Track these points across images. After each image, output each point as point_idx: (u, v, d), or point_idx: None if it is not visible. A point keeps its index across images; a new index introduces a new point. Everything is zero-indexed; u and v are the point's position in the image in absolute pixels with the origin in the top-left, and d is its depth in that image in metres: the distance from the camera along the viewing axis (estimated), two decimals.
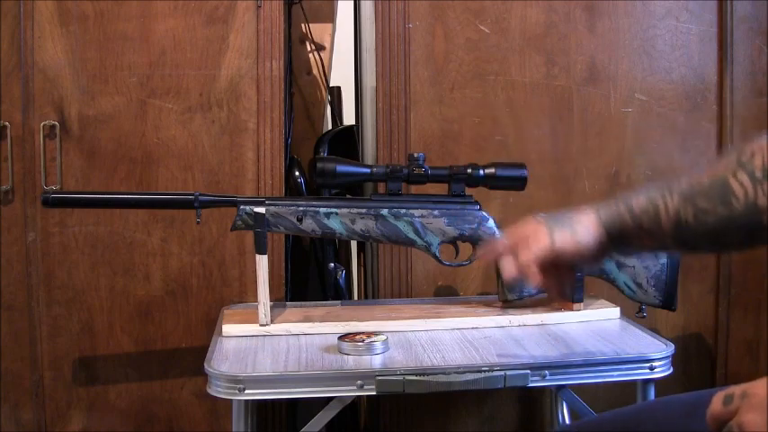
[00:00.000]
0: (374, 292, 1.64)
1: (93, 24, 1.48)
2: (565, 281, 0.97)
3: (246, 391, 1.08)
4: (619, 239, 0.88)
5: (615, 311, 1.40)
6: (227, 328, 1.28)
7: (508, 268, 0.93)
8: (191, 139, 1.52)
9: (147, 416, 1.54)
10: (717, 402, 0.66)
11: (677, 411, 0.87)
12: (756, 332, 1.71)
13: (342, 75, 2.09)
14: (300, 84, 2.03)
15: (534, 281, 0.92)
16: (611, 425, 0.95)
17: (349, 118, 2.09)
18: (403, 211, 1.32)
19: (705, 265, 1.70)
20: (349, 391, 1.11)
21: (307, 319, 1.31)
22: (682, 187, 0.83)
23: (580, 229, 0.89)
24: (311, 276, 1.92)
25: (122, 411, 1.54)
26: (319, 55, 2.02)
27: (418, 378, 1.09)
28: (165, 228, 1.52)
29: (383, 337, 1.19)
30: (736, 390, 0.65)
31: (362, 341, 1.17)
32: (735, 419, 0.63)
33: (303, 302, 1.48)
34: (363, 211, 1.31)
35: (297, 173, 1.74)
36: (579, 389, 1.48)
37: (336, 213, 1.30)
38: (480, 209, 1.35)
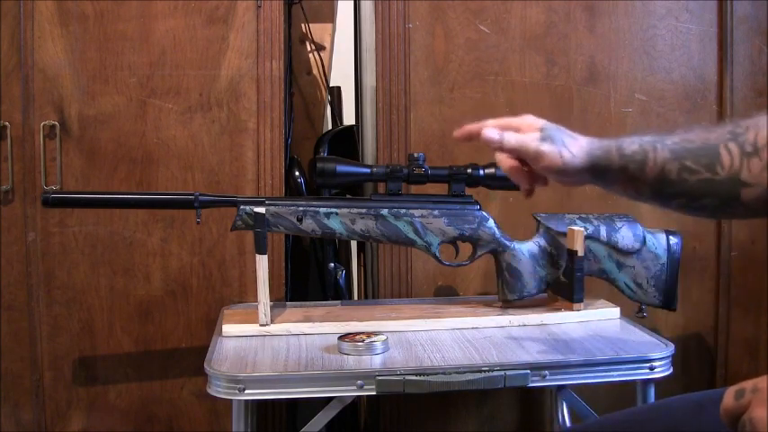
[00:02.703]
0: (374, 292, 1.64)
1: (93, 24, 1.48)
2: (536, 183, 0.98)
3: (246, 391, 1.08)
4: (601, 174, 0.90)
5: (615, 311, 1.40)
6: (227, 328, 1.28)
7: (490, 134, 0.95)
8: (191, 139, 1.52)
9: (147, 416, 1.54)
10: (729, 397, 0.66)
11: (678, 412, 0.87)
12: (756, 332, 1.71)
13: (342, 75, 2.09)
14: (300, 84, 2.03)
15: (504, 165, 0.95)
16: (612, 428, 0.94)
17: (349, 118, 2.09)
18: (403, 211, 1.32)
19: (705, 266, 1.70)
20: (349, 391, 1.11)
21: (307, 319, 1.31)
22: (673, 142, 0.85)
23: (570, 146, 0.91)
24: (311, 276, 1.92)
25: (122, 411, 1.54)
26: (319, 55, 2.02)
27: (418, 378, 1.09)
28: (165, 228, 1.52)
29: (383, 337, 1.19)
30: (748, 384, 0.65)
31: (362, 341, 1.17)
32: (746, 414, 0.63)
33: (303, 302, 1.48)
34: (363, 211, 1.31)
35: (297, 173, 1.74)
36: (579, 389, 1.48)
37: (336, 213, 1.31)
38: (480, 209, 1.35)
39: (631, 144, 0.88)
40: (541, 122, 0.95)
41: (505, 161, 0.96)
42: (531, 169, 0.95)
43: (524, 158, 0.94)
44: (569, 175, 0.91)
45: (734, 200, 0.81)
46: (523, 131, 0.95)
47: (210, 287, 1.54)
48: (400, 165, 1.33)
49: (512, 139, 0.93)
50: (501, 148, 0.94)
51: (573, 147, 0.91)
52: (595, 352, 1.18)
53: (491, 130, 0.95)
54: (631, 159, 0.87)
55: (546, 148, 0.91)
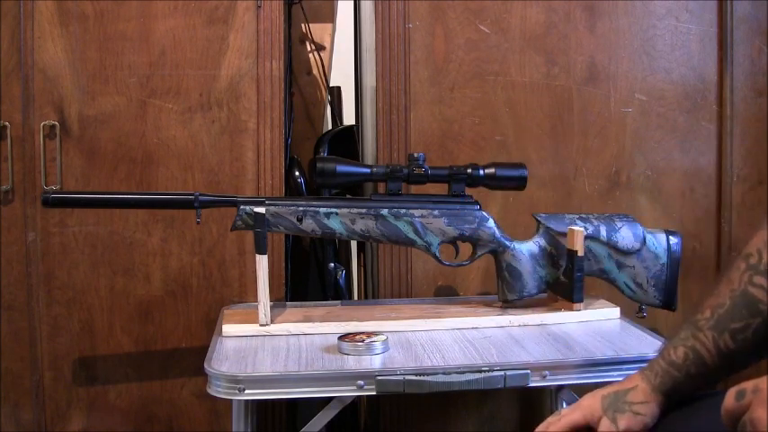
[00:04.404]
0: (374, 292, 1.64)
1: (93, 24, 1.48)
2: None
3: (246, 391, 1.08)
4: (674, 395, 0.87)
5: (615, 311, 1.40)
6: (227, 328, 1.28)
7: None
8: (191, 139, 1.52)
9: (147, 416, 1.54)
10: (730, 398, 0.66)
11: (678, 412, 0.87)
12: None
13: (342, 75, 2.09)
14: (300, 84, 2.03)
15: None
16: None
17: (349, 118, 2.09)
18: (403, 211, 1.32)
19: (705, 265, 1.70)
20: (349, 391, 1.11)
21: (307, 319, 1.31)
22: (709, 321, 0.83)
23: (640, 407, 0.87)
24: (311, 276, 1.92)
25: (122, 411, 1.54)
26: (319, 55, 2.03)
27: (418, 378, 1.09)
28: (165, 228, 1.52)
29: (383, 337, 1.19)
30: (749, 385, 0.65)
31: (362, 341, 1.17)
32: (747, 415, 0.63)
33: (303, 302, 1.48)
34: (363, 211, 1.31)
35: (297, 173, 1.74)
36: (579, 389, 1.48)
37: (336, 213, 1.30)
38: (480, 209, 1.35)
39: (676, 351, 0.85)
40: (597, 403, 0.89)
41: None
42: None
43: None
44: (655, 420, 0.86)
45: None
46: (588, 420, 0.89)
47: (210, 287, 1.54)
48: (400, 165, 1.33)
49: None
50: None
51: (636, 395, 0.87)
52: (595, 352, 1.18)
53: None
54: (688, 362, 0.84)
55: (622, 422, 0.86)
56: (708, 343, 0.83)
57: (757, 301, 0.79)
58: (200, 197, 1.27)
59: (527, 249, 1.36)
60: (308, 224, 1.30)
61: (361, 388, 1.09)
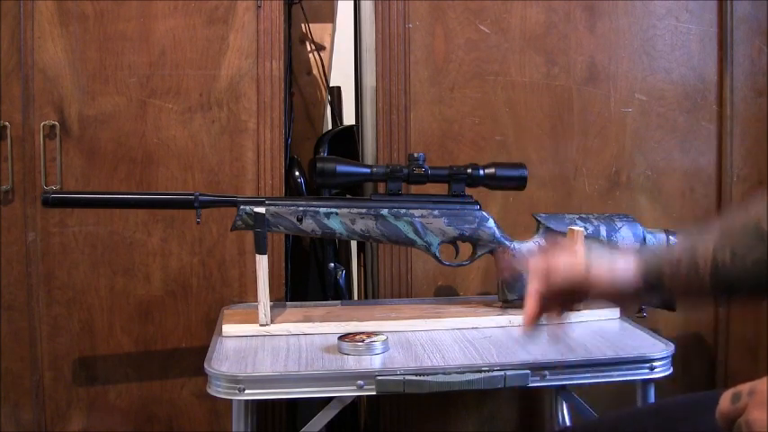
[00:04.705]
0: (374, 292, 1.64)
1: (93, 24, 1.48)
2: (569, 308, 0.93)
3: (246, 391, 1.08)
4: (656, 284, 0.86)
5: (615, 311, 1.40)
6: (227, 328, 1.28)
7: (531, 292, 0.89)
8: (191, 139, 1.52)
9: (147, 416, 1.54)
10: (725, 400, 0.66)
11: (678, 413, 0.87)
12: (756, 332, 1.71)
13: (342, 75, 2.09)
14: (300, 84, 2.03)
15: (555, 313, 0.89)
16: (612, 427, 0.94)
17: (349, 118, 2.09)
18: (403, 211, 1.32)
19: None
20: (349, 391, 1.11)
21: (307, 319, 1.31)
22: (715, 232, 0.82)
23: (620, 263, 0.86)
24: (311, 276, 1.92)
25: (122, 411, 1.54)
26: (319, 55, 2.03)
27: (418, 378, 1.09)
28: (165, 228, 1.52)
29: (383, 337, 1.19)
30: (744, 387, 0.65)
31: (362, 341, 1.17)
32: (742, 417, 0.63)
33: (303, 302, 1.48)
34: (363, 211, 1.31)
35: (297, 173, 1.74)
36: (579, 389, 1.48)
37: (336, 213, 1.31)
38: (480, 209, 1.36)
39: (674, 249, 0.84)
40: (581, 231, 0.89)
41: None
42: (570, 296, 0.89)
43: (573, 288, 0.88)
44: (624, 286, 0.86)
45: None
46: (562, 254, 0.89)
47: (210, 287, 1.54)
48: (400, 165, 1.33)
49: (558, 277, 0.87)
50: (551, 291, 0.87)
51: (621, 255, 0.87)
52: (595, 352, 1.18)
53: (533, 287, 0.88)
54: (682, 261, 0.83)
55: (595, 264, 0.85)
56: (707, 250, 0.81)
57: (766, 231, 0.77)
58: (200, 197, 1.27)
59: (527, 249, 1.36)
60: (308, 224, 1.30)
61: (361, 388, 1.09)
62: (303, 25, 1.98)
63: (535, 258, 0.92)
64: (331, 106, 2.10)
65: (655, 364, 1.17)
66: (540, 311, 0.89)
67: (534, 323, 0.89)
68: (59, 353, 1.51)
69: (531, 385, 1.13)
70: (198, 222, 1.27)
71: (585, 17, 1.62)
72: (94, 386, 1.53)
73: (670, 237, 1.38)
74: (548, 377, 1.13)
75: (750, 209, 0.80)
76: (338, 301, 1.63)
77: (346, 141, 1.92)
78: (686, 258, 0.83)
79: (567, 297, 0.89)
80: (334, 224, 1.31)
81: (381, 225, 1.32)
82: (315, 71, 2.05)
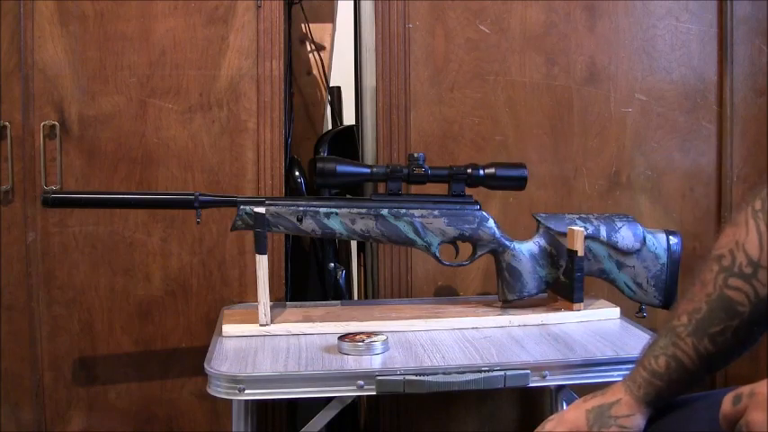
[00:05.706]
0: (374, 292, 1.64)
1: (93, 24, 1.48)
2: None
3: (246, 392, 1.08)
4: (658, 402, 0.87)
5: (615, 311, 1.40)
6: (227, 328, 1.28)
7: None
8: (191, 139, 1.52)
9: (147, 416, 1.54)
10: (727, 402, 0.66)
11: (677, 413, 0.87)
12: None
13: (342, 75, 2.09)
14: (300, 84, 2.03)
15: None
16: None
17: (349, 118, 2.09)
18: (403, 211, 1.32)
19: None
20: (349, 391, 1.11)
21: (307, 319, 1.31)
22: (687, 327, 0.83)
23: (626, 420, 0.87)
24: (311, 276, 1.92)
25: (122, 411, 1.54)
26: (319, 55, 2.02)
27: (418, 378, 1.09)
28: (165, 228, 1.52)
29: (383, 337, 1.19)
30: (745, 389, 0.65)
31: (362, 341, 1.17)
32: (743, 419, 0.64)
33: (303, 302, 1.48)
34: (363, 211, 1.31)
35: (297, 173, 1.74)
36: (579, 389, 1.48)
37: (336, 213, 1.31)
38: (480, 209, 1.35)
39: (657, 361, 0.86)
40: (582, 414, 0.90)
41: None
42: None
43: None
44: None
45: None
46: None
47: (210, 287, 1.54)
48: (400, 165, 1.33)
49: None
50: None
51: (621, 409, 0.88)
52: (595, 352, 1.18)
53: None
54: (669, 370, 0.85)
55: None
56: (688, 350, 0.83)
57: (735, 304, 0.79)
58: (200, 197, 1.27)
59: (527, 249, 1.36)
60: (308, 224, 1.30)
61: (361, 388, 1.09)
62: (303, 25, 1.98)
63: None
64: (331, 106, 2.10)
65: None
66: None
67: None
68: (59, 353, 1.51)
69: (531, 385, 1.13)
70: (198, 222, 1.28)
71: (585, 17, 1.62)
72: (94, 386, 1.53)
73: (670, 237, 1.38)
74: (548, 377, 1.13)
75: (706, 278, 0.81)
76: (338, 301, 1.63)
77: (346, 141, 1.92)
78: (673, 365, 0.84)
79: None
80: (335, 224, 1.31)
81: (381, 225, 1.32)
82: (315, 71, 2.04)
